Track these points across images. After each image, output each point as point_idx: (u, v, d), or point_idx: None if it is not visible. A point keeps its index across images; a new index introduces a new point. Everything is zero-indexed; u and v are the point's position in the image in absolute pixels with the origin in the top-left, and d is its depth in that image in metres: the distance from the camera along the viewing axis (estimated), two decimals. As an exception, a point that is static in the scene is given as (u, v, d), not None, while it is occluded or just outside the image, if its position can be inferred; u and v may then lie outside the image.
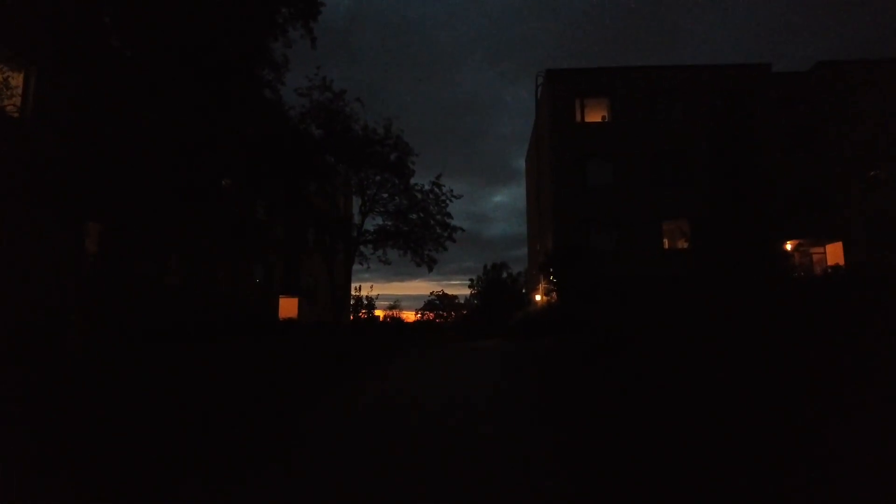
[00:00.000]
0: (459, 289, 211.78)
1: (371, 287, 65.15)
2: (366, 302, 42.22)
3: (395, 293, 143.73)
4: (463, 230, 21.04)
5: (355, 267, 24.71)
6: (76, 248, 12.76)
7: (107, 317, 11.22)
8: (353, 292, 35.88)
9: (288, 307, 27.62)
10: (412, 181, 20.25)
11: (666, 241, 26.12)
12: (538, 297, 30.37)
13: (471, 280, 65.31)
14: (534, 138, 33.29)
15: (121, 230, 15.08)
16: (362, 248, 20.91)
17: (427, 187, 20.47)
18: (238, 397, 7.40)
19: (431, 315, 64.61)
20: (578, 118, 26.76)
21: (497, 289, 49.96)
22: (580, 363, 9.54)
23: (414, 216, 20.69)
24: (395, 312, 58.71)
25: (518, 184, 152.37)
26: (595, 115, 27.12)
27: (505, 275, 57.80)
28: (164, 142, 11.46)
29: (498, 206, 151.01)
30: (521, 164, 42.20)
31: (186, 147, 11.56)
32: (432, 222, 20.89)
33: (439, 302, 67.93)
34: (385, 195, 20.45)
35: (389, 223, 20.72)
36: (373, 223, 21.35)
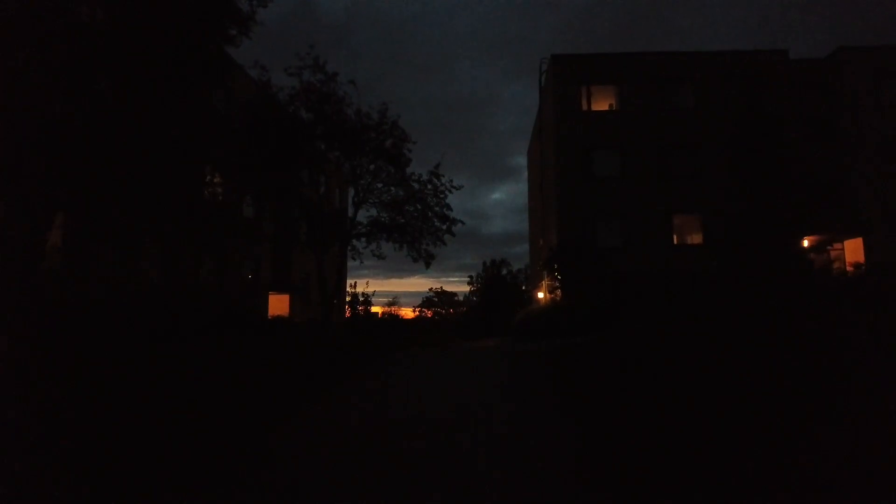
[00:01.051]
0: (458, 286, 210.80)
1: (367, 283, 63.60)
2: (362, 298, 40.70)
3: (393, 290, 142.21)
4: (463, 223, 19.73)
5: (351, 263, 23.42)
6: (31, 238, 11.44)
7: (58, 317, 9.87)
8: (348, 289, 34.50)
9: (278, 304, 26.28)
10: (409, 170, 18.89)
11: (676, 237, 24.78)
12: (541, 295, 29.06)
13: (470, 277, 64.16)
14: (536, 129, 31.92)
15: (86, 219, 13.74)
16: (355, 241, 19.58)
17: (425, 177, 19.13)
18: (186, 414, 6.05)
19: (430, 313, 63.30)
20: (585, 106, 25.39)
21: (497, 286, 48.65)
22: (618, 378, 7.98)
23: (410, 208, 19.32)
24: (392, 309, 57.70)
25: (516, 180, 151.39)
26: (602, 104, 25.76)
27: (505, 271, 56.55)
28: (123, 115, 10.10)
29: (496, 202, 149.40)
30: (520, 160, 40.76)
31: (148, 121, 10.19)
32: (430, 214, 19.53)
33: (438, 299, 66.63)
34: (379, 185, 19.11)
35: (384, 215, 19.36)
36: (366, 215, 19.97)
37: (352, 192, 19.77)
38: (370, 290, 32.95)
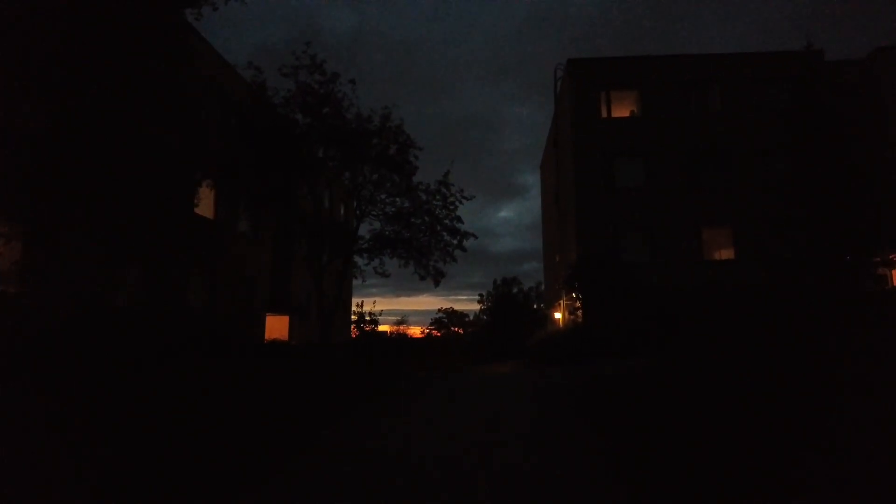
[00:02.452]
0: (468, 304, 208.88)
1: (374, 302, 61.79)
2: (368, 318, 38.68)
3: (402, 308, 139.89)
4: (475, 236, 17.84)
5: (358, 283, 21.63)
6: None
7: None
8: (354, 308, 32.67)
9: (277, 326, 24.50)
10: (415, 180, 17.09)
11: (705, 251, 22.87)
12: (558, 315, 27.12)
13: (480, 295, 61.87)
14: (551, 139, 30.27)
15: (49, 233, 12.12)
16: (357, 257, 17.77)
17: (433, 187, 17.30)
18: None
19: (437, 333, 61.34)
20: (604, 113, 23.73)
21: (508, 305, 46.66)
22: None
23: (417, 220, 17.48)
24: (402, 328, 55.67)
25: (523, 198, 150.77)
26: (623, 110, 24.08)
27: (516, 290, 54.55)
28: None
29: (504, 220, 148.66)
30: (527, 179, 39.13)
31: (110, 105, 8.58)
32: (439, 227, 17.69)
33: (447, 319, 64.66)
34: (383, 195, 17.29)
35: (388, 228, 17.48)
36: (369, 229, 18.21)
37: (353, 203, 18.03)
38: (377, 308, 31.04)
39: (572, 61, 24.09)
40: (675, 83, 23.45)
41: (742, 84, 23.18)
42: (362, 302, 40.67)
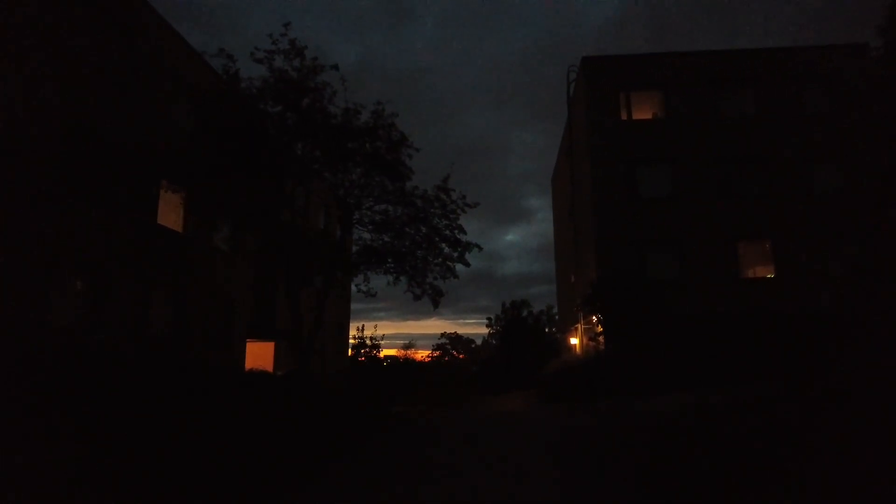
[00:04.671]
0: (476, 328, 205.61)
1: (375, 326, 59.05)
2: (370, 342, 36.19)
3: (409, 332, 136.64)
4: (479, 247, 15.19)
5: (362, 306, 18.97)
6: None
7: None
8: (354, 332, 30.13)
9: (260, 354, 21.95)
10: (410, 185, 14.52)
11: (741, 267, 20.21)
12: (574, 341, 24.41)
13: (489, 318, 59.13)
14: (563, 148, 27.94)
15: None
16: (339, 273, 15.12)
17: (430, 192, 14.75)
18: None
19: (440, 355, 58.62)
20: (624, 115, 21.36)
21: (518, 329, 43.84)
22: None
23: (411, 230, 14.89)
24: (409, 353, 52.94)
25: (529, 222, 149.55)
26: (645, 112, 21.72)
27: (525, 313, 51.75)
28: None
29: (510, 244, 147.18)
30: (533, 203, 36.90)
31: None
32: (437, 238, 15.22)
33: (451, 345, 61.84)
34: (370, 202, 14.61)
35: (379, 239, 14.81)
36: (354, 240, 15.67)
37: (339, 211, 15.50)
38: (379, 332, 28.47)
39: (587, 60, 21.84)
40: (703, 82, 21.08)
41: (779, 81, 20.78)
42: (363, 326, 37.98)
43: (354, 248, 15.68)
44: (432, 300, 15.10)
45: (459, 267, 15.38)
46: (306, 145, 13.90)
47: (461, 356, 60.28)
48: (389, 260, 14.68)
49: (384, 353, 35.80)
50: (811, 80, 20.72)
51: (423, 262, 15.01)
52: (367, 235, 15.17)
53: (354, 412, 12.30)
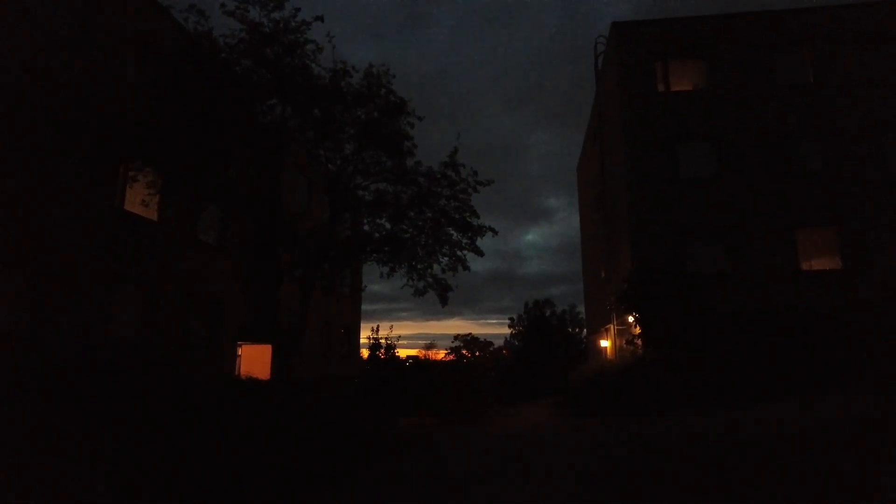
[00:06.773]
0: (497, 328, 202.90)
1: (391, 327, 57.21)
2: (385, 343, 34.12)
3: (431, 332, 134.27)
4: (494, 231, 12.69)
5: (373, 307, 17.11)
6: None
7: None
8: (370, 332, 28.06)
9: (257, 357, 19.87)
10: (411, 161, 12.11)
11: (801, 259, 17.50)
12: (605, 344, 21.88)
13: (511, 319, 56.68)
14: (591, 130, 25.43)
15: None
16: (326, 264, 12.80)
17: (436, 169, 12.28)
18: None
19: (453, 356, 56.49)
20: (661, 87, 18.83)
21: (541, 330, 41.28)
22: None
23: (413, 213, 12.45)
24: (431, 353, 51.26)
25: (549, 222, 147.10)
26: (684, 83, 19.14)
27: (548, 312, 49.16)
28: None
29: (530, 244, 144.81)
30: (552, 203, 34.18)
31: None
32: (443, 221, 12.82)
33: (466, 348, 59.62)
34: (359, 179, 12.17)
35: (378, 223, 12.48)
36: (348, 227, 13.45)
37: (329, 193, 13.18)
38: (395, 333, 26.46)
39: (618, 26, 19.35)
40: (751, 47, 18.44)
41: (839, 44, 18.05)
42: (377, 326, 35.88)
43: (346, 234, 13.40)
44: (439, 295, 12.77)
45: (477, 265, 13.13)
46: (284, 110, 11.67)
47: (478, 355, 57.98)
48: (386, 248, 12.36)
49: (404, 353, 33.64)
50: (875, 40, 17.93)
51: (428, 251, 12.66)
52: (362, 220, 12.85)
53: (343, 431, 10.08)
